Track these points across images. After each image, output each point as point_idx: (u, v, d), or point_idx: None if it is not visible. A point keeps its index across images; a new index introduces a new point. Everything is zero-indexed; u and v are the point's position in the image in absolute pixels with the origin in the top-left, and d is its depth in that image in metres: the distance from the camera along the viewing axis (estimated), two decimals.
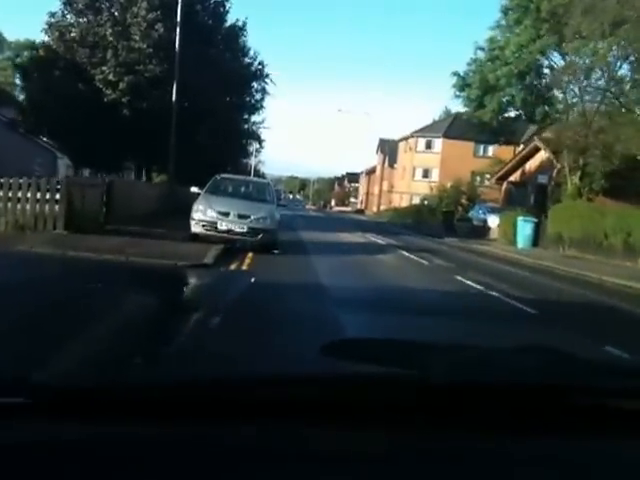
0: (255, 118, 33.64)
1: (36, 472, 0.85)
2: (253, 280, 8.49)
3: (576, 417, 1.11)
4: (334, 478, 0.90)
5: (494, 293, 9.40)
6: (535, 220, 23.20)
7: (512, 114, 25.25)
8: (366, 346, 1.36)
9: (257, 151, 61.68)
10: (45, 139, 28.37)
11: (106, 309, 5.34)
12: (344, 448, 0.97)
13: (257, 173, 55.65)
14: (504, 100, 23.32)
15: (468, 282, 10.44)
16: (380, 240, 20.41)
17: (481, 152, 54.44)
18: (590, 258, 18.09)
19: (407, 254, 15.08)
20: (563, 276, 13.95)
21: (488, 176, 50.17)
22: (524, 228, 23.16)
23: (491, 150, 52.89)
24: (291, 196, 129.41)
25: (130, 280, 7.99)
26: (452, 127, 54.37)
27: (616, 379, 1.23)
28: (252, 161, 67.06)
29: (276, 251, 12.39)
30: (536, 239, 23.10)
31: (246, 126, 34.01)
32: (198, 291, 8.26)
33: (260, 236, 12.34)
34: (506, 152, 48.87)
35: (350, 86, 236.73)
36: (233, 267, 9.91)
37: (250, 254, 11.78)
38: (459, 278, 10.94)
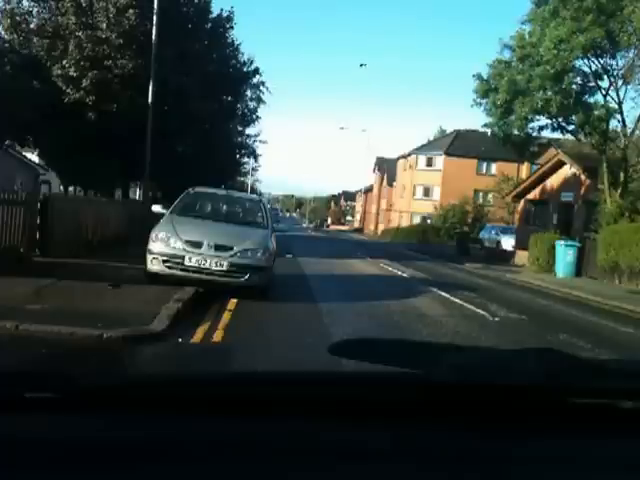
0: (250, 131, 30.58)
1: (64, 465, 0.85)
2: None
3: (576, 417, 1.11)
4: (338, 473, 0.91)
5: None
6: (578, 245, 19.67)
7: (542, 122, 21.69)
8: (372, 346, 1.32)
9: (254, 169, 58.89)
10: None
11: None
12: (348, 444, 0.97)
13: (254, 192, 52.39)
14: (538, 105, 19.77)
15: None
16: (399, 270, 16.76)
17: (484, 170, 52.95)
18: None
19: (446, 295, 11.34)
20: None
21: (491, 195, 47.82)
22: (565, 254, 19.59)
23: (494, 167, 50.96)
24: (287, 214, 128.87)
25: None
26: (454, 144, 53.42)
27: (617, 380, 1.22)
28: (249, 179, 64.15)
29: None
30: (579, 267, 19.58)
31: (240, 139, 30.98)
32: None
33: (247, 276, 8.50)
34: (509, 169, 46.81)
35: (345, 106, 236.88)
36: (198, 335, 6.11)
37: (232, 302, 8.17)
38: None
